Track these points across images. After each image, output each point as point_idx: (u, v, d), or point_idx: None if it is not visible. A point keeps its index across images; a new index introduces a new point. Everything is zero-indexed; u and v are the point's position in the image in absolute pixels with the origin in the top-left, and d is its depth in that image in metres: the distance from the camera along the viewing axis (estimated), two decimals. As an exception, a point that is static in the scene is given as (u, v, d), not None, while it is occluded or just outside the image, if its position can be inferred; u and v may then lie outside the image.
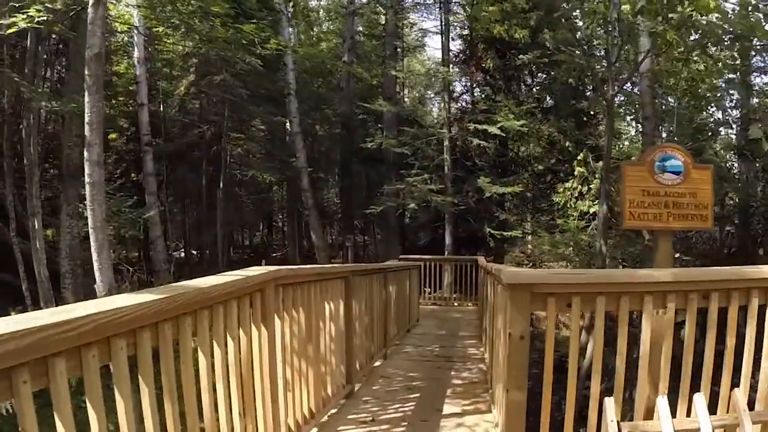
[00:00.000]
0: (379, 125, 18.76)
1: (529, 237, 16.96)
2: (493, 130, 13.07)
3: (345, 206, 19.93)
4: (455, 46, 17.04)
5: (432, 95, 19.30)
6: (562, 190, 14.29)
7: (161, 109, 19.38)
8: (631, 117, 17.37)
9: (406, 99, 21.49)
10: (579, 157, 13.82)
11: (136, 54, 15.81)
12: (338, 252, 22.91)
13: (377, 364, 6.06)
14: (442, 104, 15.33)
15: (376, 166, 18.44)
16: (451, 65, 14.79)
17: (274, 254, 33.22)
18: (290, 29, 19.48)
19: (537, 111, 14.76)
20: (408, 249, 18.40)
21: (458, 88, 17.37)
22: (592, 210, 13.63)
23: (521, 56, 13.78)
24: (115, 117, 18.51)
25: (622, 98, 14.88)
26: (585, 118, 15.61)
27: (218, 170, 19.86)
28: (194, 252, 26.37)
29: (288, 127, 19.97)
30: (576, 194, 14.01)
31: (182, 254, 25.53)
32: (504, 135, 13.39)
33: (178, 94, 19.29)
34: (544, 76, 15.54)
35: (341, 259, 20.44)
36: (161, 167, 19.10)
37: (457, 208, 14.12)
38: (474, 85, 16.20)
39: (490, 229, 13.96)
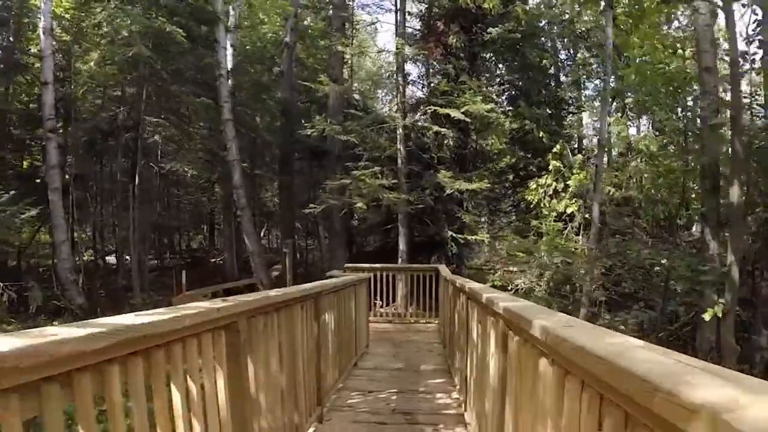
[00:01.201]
0: (324, 114, 16.76)
1: (497, 242, 15.28)
2: (455, 114, 11.25)
3: (284, 206, 17.76)
4: (412, 24, 15.15)
5: (385, 79, 17.12)
6: (534, 187, 12.59)
7: (71, 88, 16.77)
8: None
9: (355, 86, 19.44)
10: (554, 150, 12.16)
11: (42, 23, 13.30)
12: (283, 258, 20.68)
13: (306, 435, 4.06)
14: (396, 89, 13.37)
15: (320, 159, 16.41)
16: (406, 40, 12.79)
17: (214, 260, 30.71)
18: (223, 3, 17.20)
19: (505, 96, 13.02)
20: (356, 255, 16.44)
21: (414, 72, 15.50)
22: (569, 210, 11.99)
23: (490, 30, 11.96)
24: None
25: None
26: (562, 106, 13.99)
27: (140, 162, 17.34)
28: (110, 258, 23.68)
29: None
30: (550, 192, 12.35)
31: (104, 261, 22.96)
32: (468, 120, 11.54)
33: (88, 72, 16.74)
34: (515, 56, 13.79)
35: (281, 267, 18.27)
36: (66, 158, 16.56)
37: (412, 207, 12.23)
38: (433, 66, 14.30)
39: (452, 233, 12.10)
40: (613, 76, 11.94)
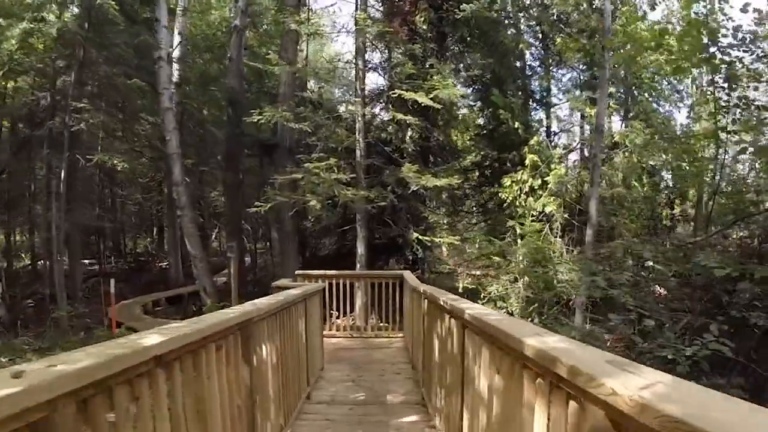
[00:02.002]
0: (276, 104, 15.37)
1: (465, 244, 14.24)
2: (423, 100, 10.09)
3: (230, 205, 16.23)
4: (375, 6, 13.88)
5: (344, 65, 15.85)
6: (508, 183, 11.56)
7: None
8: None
9: (311, 80, 18.11)
10: (531, 142, 11.16)
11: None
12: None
13: None
14: (356, 75, 12.11)
15: (271, 154, 15.02)
16: (368, 17, 11.51)
17: (161, 264, 28.73)
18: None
19: (476, 86, 11.98)
20: (310, 260, 15.14)
21: (376, 58, 14.29)
22: (548, 209, 11.01)
23: (463, 6, 10.80)
24: None
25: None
26: (534, 96, 13.04)
27: (66, 153, 15.56)
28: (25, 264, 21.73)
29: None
30: (526, 189, 11.34)
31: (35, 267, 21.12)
32: (437, 107, 10.36)
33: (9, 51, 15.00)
34: (487, 39, 12.67)
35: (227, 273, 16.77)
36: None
37: (373, 205, 10.98)
38: (398, 51, 13.07)
39: (418, 235, 10.93)
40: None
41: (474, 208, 15.12)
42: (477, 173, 14.90)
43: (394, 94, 10.91)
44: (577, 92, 13.92)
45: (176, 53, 17.55)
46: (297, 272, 9.58)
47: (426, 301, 5.23)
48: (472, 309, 2.95)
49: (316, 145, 11.06)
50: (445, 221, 14.88)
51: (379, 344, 9.18)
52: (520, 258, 9.95)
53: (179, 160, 14.56)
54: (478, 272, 22.08)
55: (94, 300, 18.73)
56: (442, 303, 3.87)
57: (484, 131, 13.78)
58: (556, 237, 11.25)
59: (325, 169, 9.79)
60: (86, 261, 25.60)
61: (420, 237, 10.91)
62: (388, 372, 7.08)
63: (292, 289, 5.90)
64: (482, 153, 13.49)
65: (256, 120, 10.64)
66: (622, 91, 14.04)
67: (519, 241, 10.55)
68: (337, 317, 9.89)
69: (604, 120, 8.64)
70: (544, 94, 13.98)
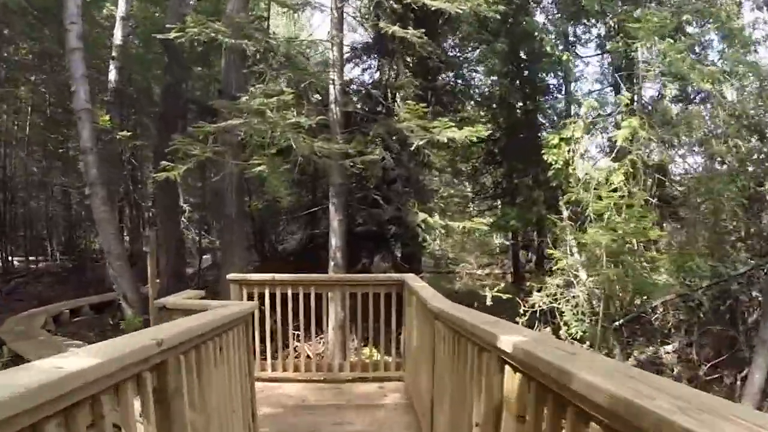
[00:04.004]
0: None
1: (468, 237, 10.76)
2: (435, 3, 6.44)
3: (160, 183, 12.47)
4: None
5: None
6: (555, 141, 8.02)
7: None
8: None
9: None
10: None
11: None
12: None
13: None
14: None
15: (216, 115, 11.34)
16: None
17: (98, 262, 24.92)
18: None
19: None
20: (269, 258, 11.54)
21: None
22: (615, 180, 7.49)
23: None
24: None
25: None
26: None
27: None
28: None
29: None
30: (581, 150, 7.81)
31: None
32: (453, 10, 6.71)
33: None
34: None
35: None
36: None
37: (355, 168, 7.36)
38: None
39: (426, 216, 7.32)
40: None
41: (497, 181, 11.61)
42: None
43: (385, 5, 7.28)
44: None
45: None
46: (230, 277, 5.99)
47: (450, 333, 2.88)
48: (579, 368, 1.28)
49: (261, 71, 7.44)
50: (455, 200, 11.38)
51: (364, 395, 5.64)
52: (596, 249, 6.42)
53: (89, 119, 10.90)
54: (479, 271, 18.63)
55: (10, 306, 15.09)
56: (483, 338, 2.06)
57: (510, 67, 10.22)
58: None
59: (277, 107, 6.12)
60: (17, 259, 21.97)
61: (430, 220, 7.28)
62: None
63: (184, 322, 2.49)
64: (507, 101, 9.92)
65: (174, 37, 6.92)
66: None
67: (590, 221, 7.02)
68: (297, 340, 6.37)
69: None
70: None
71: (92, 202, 11.01)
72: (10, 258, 21.52)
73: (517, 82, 11.72)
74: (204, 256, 18.70)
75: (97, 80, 15.93)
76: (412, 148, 7.04)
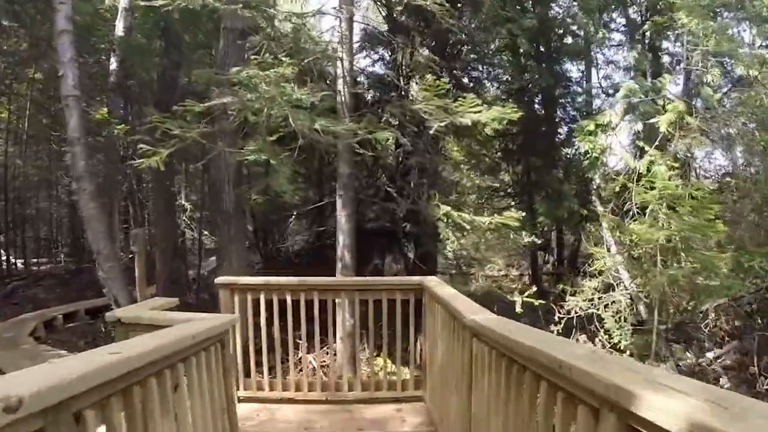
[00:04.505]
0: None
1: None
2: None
3: (157, 177, 11.65)
4: None
5: None
6: (591, 127, 7.14)
7: None
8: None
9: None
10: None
11: None
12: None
13: None
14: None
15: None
16: None
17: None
18: None
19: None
20: (272, 259, 10.74)
21: None
22: (659, 170, 6.60)
23: None
24: None
25: None
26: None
27: None
28: None
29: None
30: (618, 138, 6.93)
31: None
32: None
33: None
34: None
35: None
36: None
37: (364, 158, 6.51)
38: None
39: (449, 209, 6.44)
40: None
41: (516, 178, 10.73)
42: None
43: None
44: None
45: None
46: (220, 281, 5.16)
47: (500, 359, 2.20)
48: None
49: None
50: (471, 197, 10.53)
51: (379, 420, 4.81)
52: (646, 247, 5.53)
53: (77, 106, 10.09)
54: (494, 273, 17.69)
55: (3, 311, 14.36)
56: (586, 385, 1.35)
57: (533, 54, 9.30)
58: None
59: (275, 82, 5.27)
60: (21, 261, 21.36)
61: (453, 213, 6.38)
62: None
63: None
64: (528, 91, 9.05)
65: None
66: None
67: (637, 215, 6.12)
68: (297, 351, 5.54)
69: None
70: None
71: (80, 197, 10.17)
72: (11, 260, 20.84)
73: (537, 75, 10.94)
74: (210, 258, 17.83)
75: (97, 73, 15.26)
76: (432, 131, 6.14)
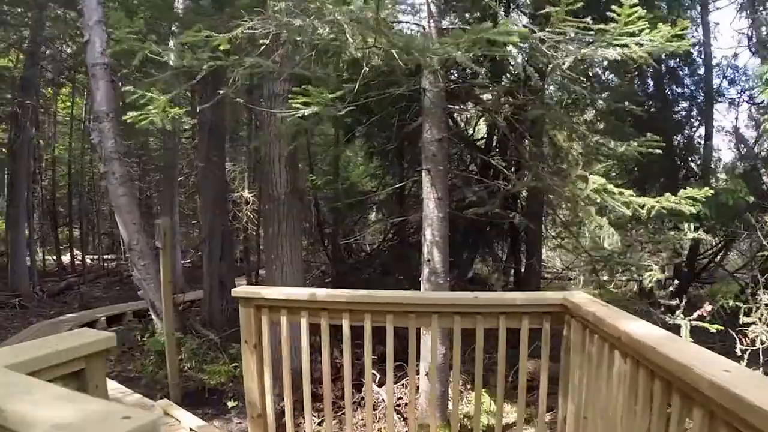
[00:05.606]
0: None
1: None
2: None
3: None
4: None
5: None
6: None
7: None
8: None
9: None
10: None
11: None
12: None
13: None
14: None
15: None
16: None
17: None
18: None
19: None
20: (339, 268, 8.81)
21: None
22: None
23: None
24: None
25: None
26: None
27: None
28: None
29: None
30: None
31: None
32: None
33: None
34: None
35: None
36: None
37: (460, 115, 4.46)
38: None
39: (604, 181, 4.26)
40: None
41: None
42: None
43: None
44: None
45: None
46: (238, 292, 3.31)
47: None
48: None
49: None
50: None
51: None
52: None
53: (105, 77, 8.55)
54: (605, 277, 15.03)
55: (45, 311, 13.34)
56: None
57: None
58: None
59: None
60: (90, 257, 20.87)
61: (613, 189, 4.14)
62: None
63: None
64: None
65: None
66: None
67: None
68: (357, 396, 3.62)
69: None
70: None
71: (108, 182, 8.56)
72: (75, 255, 20.10)
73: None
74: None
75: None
76: (566, 66, 4.01)
